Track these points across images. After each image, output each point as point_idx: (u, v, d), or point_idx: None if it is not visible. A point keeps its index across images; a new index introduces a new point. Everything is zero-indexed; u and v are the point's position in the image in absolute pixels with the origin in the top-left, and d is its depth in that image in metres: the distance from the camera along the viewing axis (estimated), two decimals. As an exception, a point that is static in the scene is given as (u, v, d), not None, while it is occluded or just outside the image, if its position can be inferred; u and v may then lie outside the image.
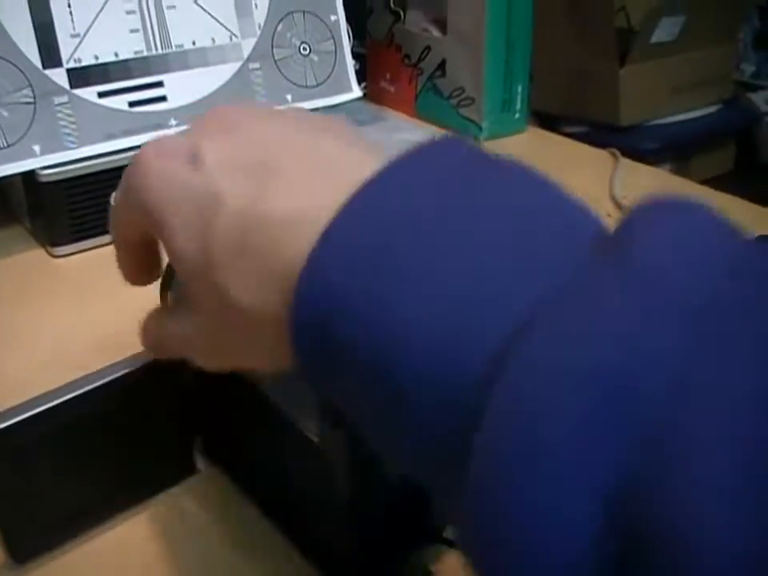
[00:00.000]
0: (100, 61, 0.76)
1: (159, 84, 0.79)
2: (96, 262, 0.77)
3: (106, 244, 0.78)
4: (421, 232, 0.27)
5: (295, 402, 0.40)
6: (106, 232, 0.76)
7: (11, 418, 0.43)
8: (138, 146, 0.76)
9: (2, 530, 0.45)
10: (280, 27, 0.86)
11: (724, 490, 0.20)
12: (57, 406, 0.44)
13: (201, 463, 0.52)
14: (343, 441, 0.37)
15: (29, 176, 0.74)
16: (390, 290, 0.26)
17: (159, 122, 0.79)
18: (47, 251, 0.78)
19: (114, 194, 0.41)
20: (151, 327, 0.43)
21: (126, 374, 0.46)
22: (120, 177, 0.76)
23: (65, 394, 0.44)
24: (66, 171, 0.74)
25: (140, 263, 0.43)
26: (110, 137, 0.76)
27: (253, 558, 0.47)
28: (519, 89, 1.05)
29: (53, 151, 0.73)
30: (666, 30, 1.55)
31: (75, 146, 0.74)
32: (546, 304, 0.24)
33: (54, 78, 0.73)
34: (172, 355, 0.41)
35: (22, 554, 0.46)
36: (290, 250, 0.29)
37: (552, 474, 0.22)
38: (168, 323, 0.41)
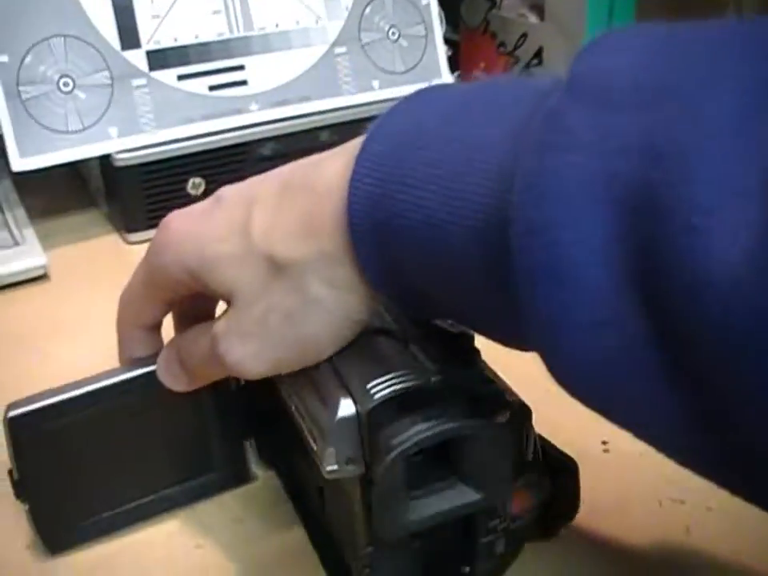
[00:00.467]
0: (180, 43, 0.74)
1: (240, 68, 0.77)
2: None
3: (182, 232, 0.76)
4: (440, 121, 0.33)
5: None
6: (181, 219, 0.76)
7: (53, 397, 0.42)
8: (217, 132, 0.75)
9: (36, 517, 0.44)
10: (368, 10, 0.83)
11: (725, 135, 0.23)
12: (97, 390, 0.43)
13: (256, 469, 0.49)
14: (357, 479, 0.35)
15: (105, 160, 0.73)
16: (421, 154, 0.32)
17: (239, 106, 0.76)
18: (122, 237, 0.76)
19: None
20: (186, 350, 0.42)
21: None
22: (199, 162, 0.75)
23: (106, 379, 0.43)
24: (143, 155, 0.72)
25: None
26: (189, 120, 0.74)
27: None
28: (620, 78, 0.99)
29: (130, 134, 0.72)
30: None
31: (152, 129, 0.72)
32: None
33: (133, 60, 0.72)
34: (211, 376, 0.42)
35: (56, 544, 0.45)
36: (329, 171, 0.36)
37: (568, 185, 0.25)
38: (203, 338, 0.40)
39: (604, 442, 0.52)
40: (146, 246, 0.75)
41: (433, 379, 0.36)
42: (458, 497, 0.35)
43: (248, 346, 0.37)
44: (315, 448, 0.36)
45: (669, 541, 0.45)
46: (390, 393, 0.35)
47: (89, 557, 0.45)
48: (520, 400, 0.38)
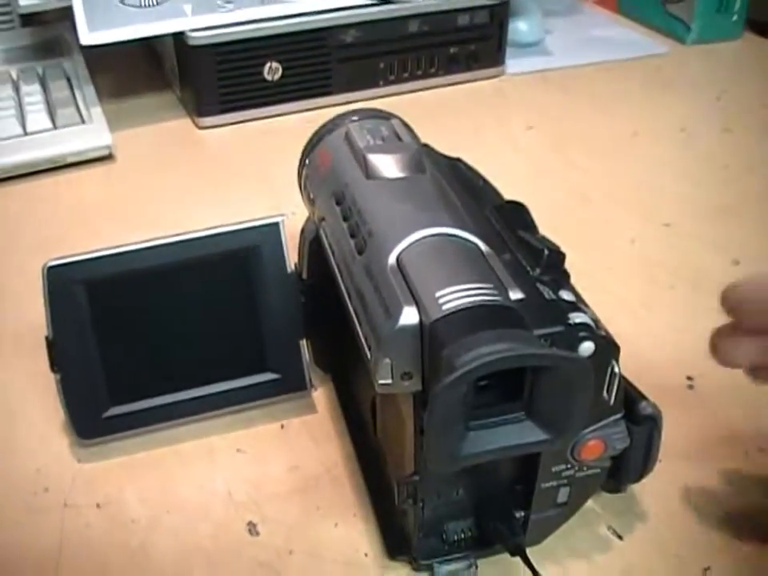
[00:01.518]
0: None
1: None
2: (242, 137, 0.71)
3: (254, 119, 0.72)
4: None
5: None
6: (254, 106, 0.72)
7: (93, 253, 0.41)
8: (297, 14, 0.70)
9: (67, 390, 0.42)
10: None
11: None
12: (138, 250, 0.41)
13: (313, 379, 0.46)
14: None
15: (179, 39, 0.69)
16: None
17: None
18: (194, 121, 0.73)
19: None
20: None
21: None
22: (276, 46, 0.70)
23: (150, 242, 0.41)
24: (218, 35, 0.68)
25: None
26: (267, 1, 0.69)
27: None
28: (741, -13, 0.91)
29: (205, 12, 0.67)
30: None
31: (229, 8, 0.68)
32: None
33: (213, -68, 0.67)
34: None
35: (85, 428, 0.43)
36: None
37: None
38: None
39: (689, 378, 0.47)
40: (217, 132, 0.73)
41: (513, 297, 0.32)
42: (522, 434, 0.30)
43: None
44: (370, 357, 0.32)
45: (752, 498, 0.41)
46: (460, 305, 0.30)
47: (124, 452, 0.43)
48: (608, 334, 0.33)
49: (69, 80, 0.73)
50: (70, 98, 0.70)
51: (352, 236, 0.37)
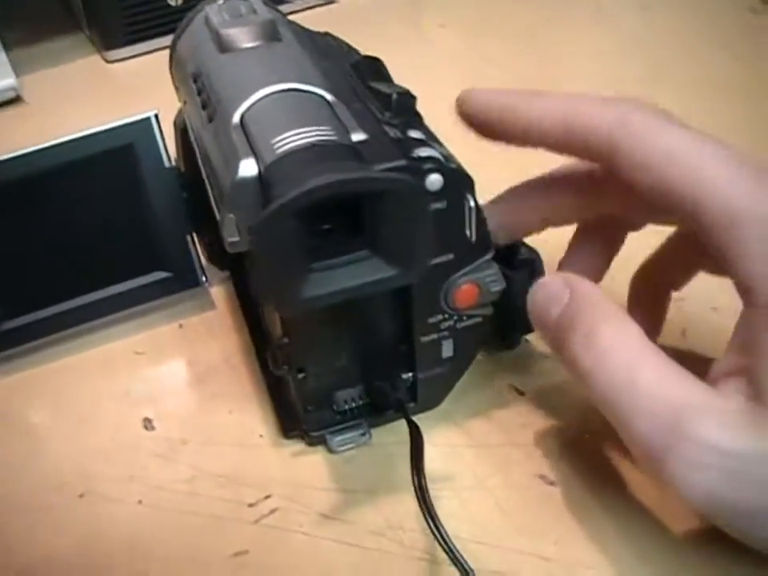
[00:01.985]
0: None
1: None
2: (151, 66, 0.69)
3: (163, 47, 0.71)
4: None
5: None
6: (161, 33, 0.70)
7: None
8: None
9: None
10: None
11: None
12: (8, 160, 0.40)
13: (211, 276, 0.45)
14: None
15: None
16: None
17: None
18: (102, 56, 0.71)
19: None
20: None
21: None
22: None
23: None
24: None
25: None
26: None
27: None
28: None
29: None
30: None
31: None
32: None
33: None
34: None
35: None
36: None
37: None
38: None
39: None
40: (126, 63, 0.71)
41: (355, 139, 0.31)
42: (367, 271, 0.29)
43: None
44: (218, 217, 0.31)
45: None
46: (293, 147, 0.29)
47: (20, 368, 0.43)
48: (459, 167, 0.32)
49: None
50: (-27, 47, 0.69)
51: (204, 108, 0.36)
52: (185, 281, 0.43)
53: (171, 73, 0.43)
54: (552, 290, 0.32)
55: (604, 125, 0.31)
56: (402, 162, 0.30)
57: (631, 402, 0.28)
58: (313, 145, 0.29)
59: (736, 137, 0.52)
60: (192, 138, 0.38)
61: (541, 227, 0.36)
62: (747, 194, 0.27)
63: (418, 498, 0.30)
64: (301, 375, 0.35)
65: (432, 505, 0.30)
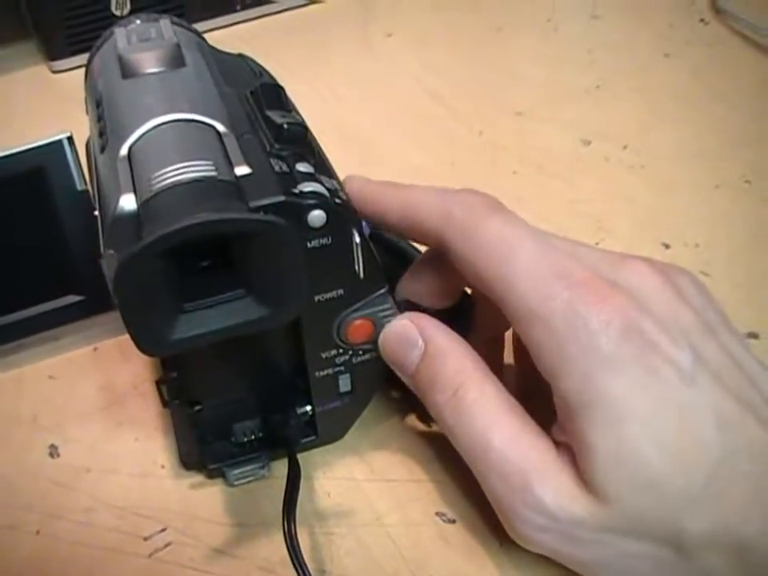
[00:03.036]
0: None
1: None
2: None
3: (108, 57, 0.70)
4: None
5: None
6: (105, 44, 0.70)
7: None
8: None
9: None
10: None
11: None
12: None
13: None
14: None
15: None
16: None
17: None
18: (48, 66, 0.71)
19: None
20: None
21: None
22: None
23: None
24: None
25: None
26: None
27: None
28: None
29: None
30: None
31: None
32: None
33: None
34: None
35: None
36: None
37: None
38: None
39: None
40: (71, 74, 0.71)
41: (238, 173, 0.30)
42: (240, 312, 0.29)
43: None
44: (102, 252, 0.31)
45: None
46: (168, 184, 0.29)
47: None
48: (347, 202, 0.32)
49: None
50: None
51: (100, 136, 0.35)
52: (97, 304, 0.43)
53: (85, 95, 0.43)
54: (405, 336, 0.33)
55: (433, 217, 0.32)
56: (280, 198, 0.30)
57: (486, 463, 0.30)
58: (189, 182, 0.29)
59: (684, 147, 0.53)
60: (91, 164, 0.37)
61: None
62: (543, 294, 0.28)
63: (286, 542, 0.30)
64: (196, 408, 0.35)
65: (300, 551, 0.30)
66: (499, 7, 0.73)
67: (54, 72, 0.70)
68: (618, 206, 0.50)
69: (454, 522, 0.34)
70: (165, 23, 0.40)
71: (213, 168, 0.30)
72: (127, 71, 0.37)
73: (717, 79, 0.61)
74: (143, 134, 0.32)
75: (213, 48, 0.42)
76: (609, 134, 0.56)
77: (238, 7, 0.73)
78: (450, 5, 0.74)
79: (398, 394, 0.39)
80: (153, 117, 0.32)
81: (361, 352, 0.35)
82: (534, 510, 0.28)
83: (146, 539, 0.35)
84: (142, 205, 0.29)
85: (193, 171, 0.29)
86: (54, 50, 0.69)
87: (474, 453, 0.30)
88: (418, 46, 0.68)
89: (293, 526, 0.30)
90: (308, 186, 0.31)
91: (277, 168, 0.32)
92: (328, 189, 0.31)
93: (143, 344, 0.29)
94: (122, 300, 0.27)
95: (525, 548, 0.30)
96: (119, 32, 0.40)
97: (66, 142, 0.41)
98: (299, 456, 0.36)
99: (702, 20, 0.69)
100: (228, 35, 0.71)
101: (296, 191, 0.30)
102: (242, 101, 0.36)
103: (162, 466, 0.37)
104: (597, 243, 0.47)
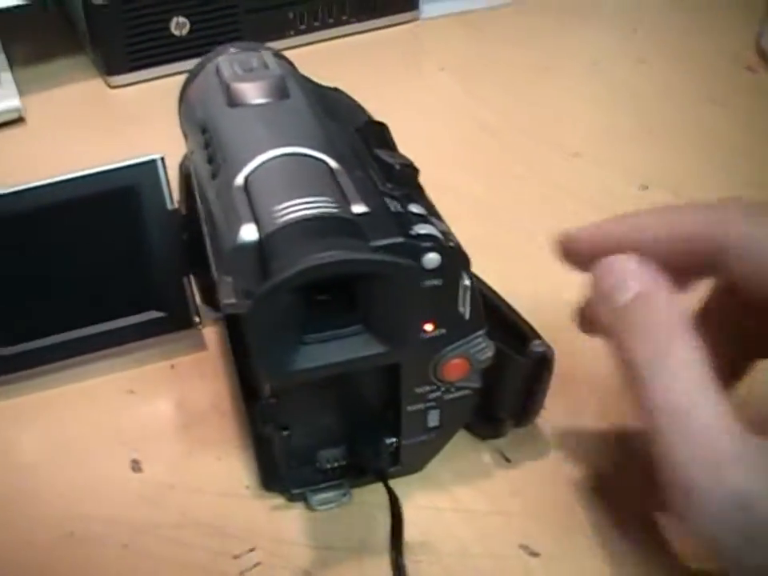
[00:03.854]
0: None
1: None
2: (153, 94, 0.70)
3: (164, 75, 0.72)
4: None
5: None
6: (163, 62, 0.71)
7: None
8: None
9: None
10: None
11: None
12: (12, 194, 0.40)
13: (204, 317, 0.46)
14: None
15: (86, -3, 0.68)
16: None
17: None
18: (105, 81, 0.72)
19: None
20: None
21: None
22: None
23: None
24: (121, -9, 0.67)
25: None
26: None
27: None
28: None
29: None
30: None
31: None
32: None
33: None
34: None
35: None
36: None
37: None
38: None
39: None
40: (128, 90, 0.72)
41: (356, 210, 0.31)
42: (358, 347, 0.30)
43: None
44: (215, 277, 0.32)
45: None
46: (294, 218, 0.30)
47: (6, 397, 0.43)
48: (458, 245, 0.33)
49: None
50: (-21, 64, 0.69)
51: (209, 162, 0.36)
52: (179, 321, 0.44)
53: (180, 119, 0.44)
54: (629, 269, 0.32)
55: (707, 232, 0.32)
56: (399, 240, 0.31)
57: (682, 428, 0.28)
58: (314, 217, 0.30)
59: (727, 194, 0.54)
60: (195, 188, 0.38)
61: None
62: None
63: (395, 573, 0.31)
64: (285, 433, 0.36)
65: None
66: (546, 47, 0.74)
67: (112, 87, 0.71)
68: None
69: (537, 555, 0.35)
70: (267, 54, 0.42)
71: (334, 205, 0.31)
72: (234, 100, 0.38)
73: (765, 127, 0.63)
74: (259, 166, 0.33)
75: (309, 80, 0.43)
76: (664, 180, 0.57)
77: (292, 32, 0.74)
78: (497, 42, 0.76)
79: (481, 429, 0.40)
80: (267, 148, 0.34)
81: (453, 389, 0.36)
82: (724, 489, 0.27)
83: (235, 558, 0.35)
84: (266, 237, 0.30)
85: (315, 207, 0.31)
86: (113, 66, 0.70)
87: (669, 417, 0.28)
88: (470, 81, 0.70)
89: (401, 557, 0.31)
90: (423, 229, 0.32)
91: (392, 208, 0.33)
92: (441, 232, 0.33)
93: (269, 373, 0.30)
94: (253, 331, 0.28)
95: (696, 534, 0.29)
96: (223, 60, 0.41)
97: (159, 163, 0.42)
98: (381, 486, 0.38)
99: (748, 68, 0.71)
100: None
101: (413, 233, 0.32)
102: (347, 136, 0.38)
103: (247, 487, 0.38)
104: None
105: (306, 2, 0.73)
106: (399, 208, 0.33)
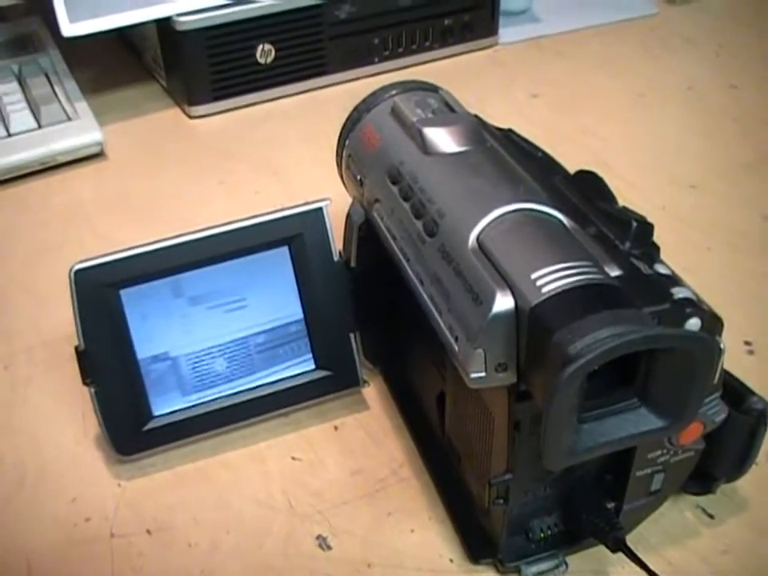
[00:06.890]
0: None
1: None
2: (236, 123, 0.67)
3: (247, 105, 0.69)
4: None
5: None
6: (247, 90, 0.68)
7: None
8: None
9: (103, 403, 0.39)
10: None
11: None
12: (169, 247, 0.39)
13: (363, 373, 0.43)
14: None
15: (164, 25, 0.65)
16: None
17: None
18: (184, 111, 0.69)
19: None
20: None
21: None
22: (268, 27, 0.66)
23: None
24: (206, 19, 0.64)
25: None
26: (257, -21, 0.65)
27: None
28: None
29: (191, -6, 0.63)
30: None
31: (217, -11, 0.64)
32: None
33: None
34: None
35: (126, 444, 0.40)
36: None
37: None
38: None
39: (747, 342, 0.45)
40: (210, 120, 0.69)
41: (611, 274, 0.29)
42: (637, 422, 0.28)
43: None
44: (457, 349, 0.30)
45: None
46: (561, 286, 0.28)
47: (166, 467, 0.40)
48: (710, 309, 0.31)
49: (47, 76, 0.68)
50: (52, 95, 0.66)
51: (417, 217, 0.34)
52: (343, 380, 0.41)
53: (342, 162, 0.42)
54: None
55: None
56: (666, 305, 0.29)
57: None
58: (582, 286, 0.28)
59: None
60: (388, 239, 0.36)
61: None
62: None
63: None
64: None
65: None
66: (639, 74, 0.73)
67: (192, 117, 0.68)
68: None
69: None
70: (445, 93, 0.40)
71: (594, 270, 0.28)
72: (429, 147, 0.36)
73: None
74: (489, 223, 0.31)
75: (480, 119, 0.41)
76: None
77: (376, 59, 0.72)
78: (585, 68, 0.74)
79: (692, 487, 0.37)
80: (494, 205, 0.31)
81: (680, 451, 0.34)
82: None
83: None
84: (534, 309, 0.28)
85: (578, 274, 0.28)
86: (195, 95, 0.68)
87: None
88: (566, 109, 0.68)
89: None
90: (681, 292, 0.30)
91: (643, 270, 0.31)
92: (695, 294, 0.30)
93: (557, 458, 0.27)
94: (552, 414, 0.26)
95: None
96: (399, 100, 0.39)
97: (325, 210, 0.40)
98: (589, 551, 0.35)
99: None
100: (364, 85, 0.70)
101: (675, 297, 0.29)
102: (558, 186, 0.35)
103: (451, 560, 0.36)
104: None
105: (391, 27, 0.71)
106: (648, 269, 0.31)
